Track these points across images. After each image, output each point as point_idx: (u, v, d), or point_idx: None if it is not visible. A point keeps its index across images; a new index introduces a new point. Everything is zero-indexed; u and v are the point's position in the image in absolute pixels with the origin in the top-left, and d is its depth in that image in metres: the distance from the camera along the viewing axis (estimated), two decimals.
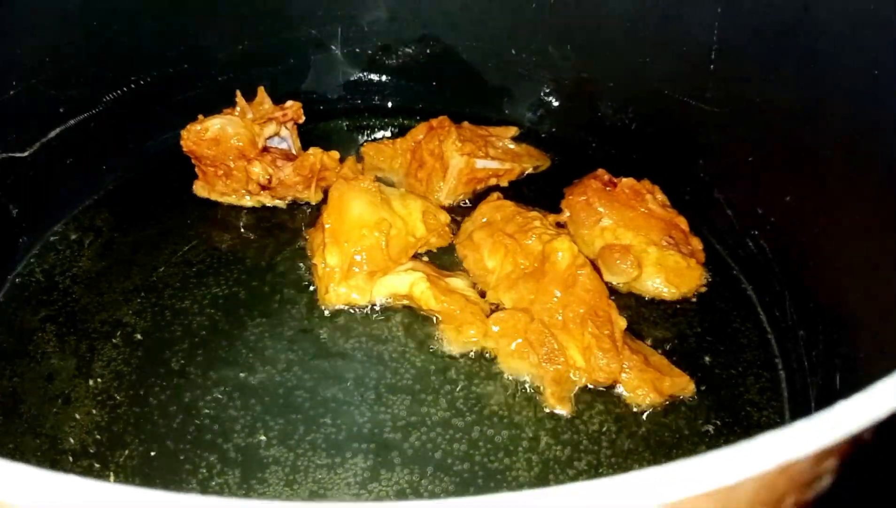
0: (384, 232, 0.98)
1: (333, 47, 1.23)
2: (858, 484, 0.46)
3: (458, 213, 1.09)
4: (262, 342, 0.93)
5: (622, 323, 0.90)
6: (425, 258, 1.03)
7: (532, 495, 0.29)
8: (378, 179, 1.05)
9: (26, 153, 0.99)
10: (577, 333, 0.89)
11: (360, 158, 1.15)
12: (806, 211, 0.93)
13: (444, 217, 1.06)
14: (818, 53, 0.87)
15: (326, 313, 0.96)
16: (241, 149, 1.04)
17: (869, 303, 0.81)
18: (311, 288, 0.99)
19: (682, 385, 0.88)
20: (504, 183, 1.15)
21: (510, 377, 0.90)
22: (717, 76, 1.02)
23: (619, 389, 0.88)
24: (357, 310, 0.96)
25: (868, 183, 0.82)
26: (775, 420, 0.89)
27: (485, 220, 1.05)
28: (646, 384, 0.87)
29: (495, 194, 1.08)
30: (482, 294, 0.99)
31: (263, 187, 1.07)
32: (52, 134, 1.02)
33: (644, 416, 0.87)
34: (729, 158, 1.05)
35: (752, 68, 0.97)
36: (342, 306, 0.97)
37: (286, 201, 1.10)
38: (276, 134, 1.10)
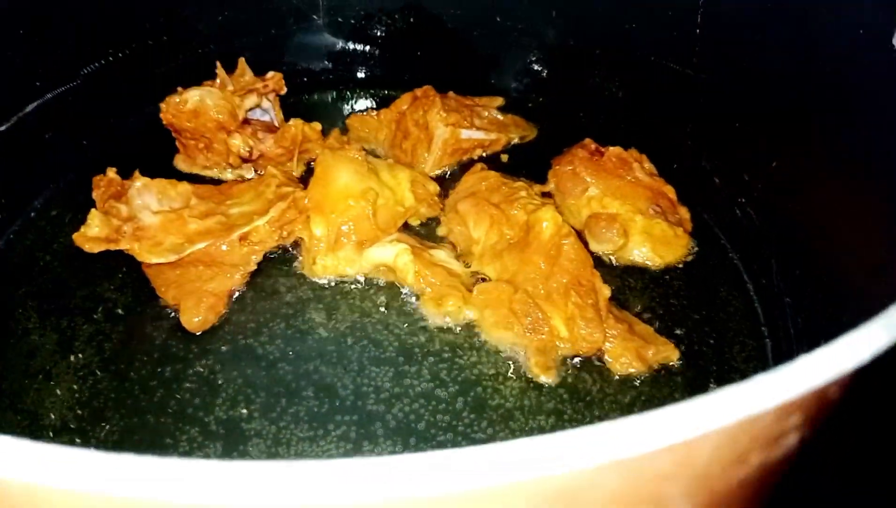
0: (370, 202, 0.96)
1: (315, 17, 1.22)
2: (832, 444, 0.46)
3: (444, 184, 1.08)
4: (245, 314, 0.92)
5: (606, 292, 0.90)
6: (418, 227, 1.03)
7: (480, 451, 0.28)
8: (363, 150, 1.04)
9: (3, 128, 0.98)
10: (561, 303, 0.89)
11: (344, 131, 1.14)
12: (792, 178, 0.92)
13: (433, 187, 1.05)
14: (802, 17, 0.86)
15: (311, 285, 0.95)
16: (220, 121, 1.03)
17: (853, 269, 0.80)
18: (297, 260, 0.98)
19: (667, 354, 0.87)
20: (490, 153, 1.14)
21: (494, 348, 0.89)
22: (704, 41, 1.01)
23: (604, 358, 0.88)
24: (341, 282, 0.96)
25: (854, 149, 0.81)
26: None
27: (470, 191, 1.03)
28: (630, 352, 0.86)
29: (479, 165, 1.06)
30: (468, 266, 0.98)
31: (245, 160, 1.05)
32: (30, 108, 1.01)
33: (628, 384, 0.86)
34: (716, 125, 1.04)
35: (738, 33, 0.96)
36: (327, 279, 0.96)
37: None
38: (258, 106, 1.09)
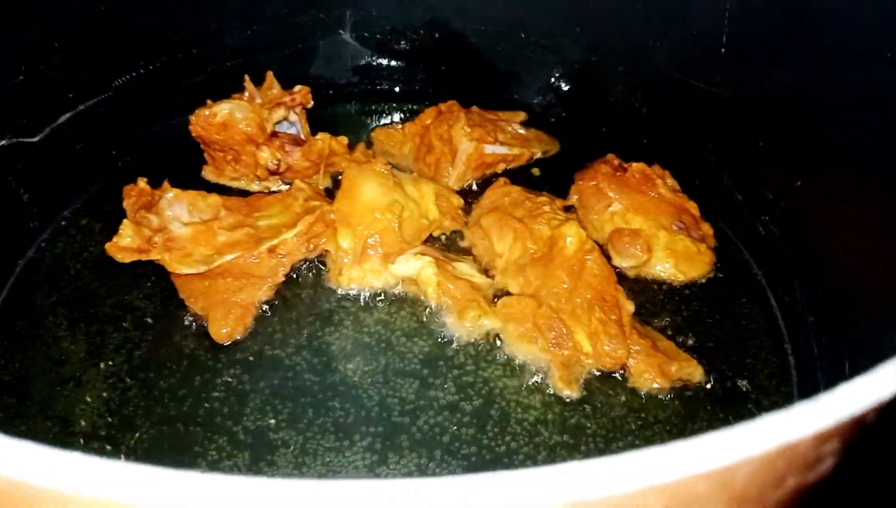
0: (396, 214, 0.98)
1: (342, 31, 1.23)
2: (861, 463, 0.46)
3: (467, 197, 1.09)
4: (272, 325, 0.93)
5: (630, 307, 0.90)
6: (443, 239, 1.04)
7: (523, 475, 0.29)
8: (388, 164, 1.05)
9: (36, 138, 1.00)
10: (585, 318, 0.89)
11: (369, 144, 1.15)
12: (816, 196, 0.92)
13: (457, 201, 1.06)
14: (826, 37, 0.87)
15: (337, 296, 0.97)
16: (249, 134, 1.04)
17: (877, 288, 0.80)
18: (323, 272, 0.99)
19: (690, 370, 0.88)
20: (513, 168, 1.15)
21: (518, 362, 0.90)
22: (728, 60, 1.01)
23: (627, 373, 0.88)
24: (366, 294, 0.97)
25: (876, 168, 0.82)
26: (784, 406, 0.88)
27: (493, 205, 1.04)
28: (653, 368, 0.87)
29: (502, 180, 1.07)
30: (492, 279, 0.99)
31: (272, 173, 1.07)
32: (62, 119, 1.03)
33: (652, 401, 0.87)
34: (739, 142, 1.04)
35: (762, 52, 0.96)
36: (353, 290, 0.97)
37: None
38: (285, 119, 1.10)
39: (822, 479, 0.39)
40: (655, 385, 0.87)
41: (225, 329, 0.90)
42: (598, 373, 0.89)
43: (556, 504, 0.29)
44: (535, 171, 1.15)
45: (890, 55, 0.78)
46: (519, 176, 1.13)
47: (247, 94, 1.08)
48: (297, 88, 1.11)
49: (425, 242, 1.01)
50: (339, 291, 0.97)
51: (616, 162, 1.09)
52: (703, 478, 0.31)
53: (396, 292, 0.97)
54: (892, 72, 0.78)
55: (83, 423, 0.84)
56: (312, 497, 0.31)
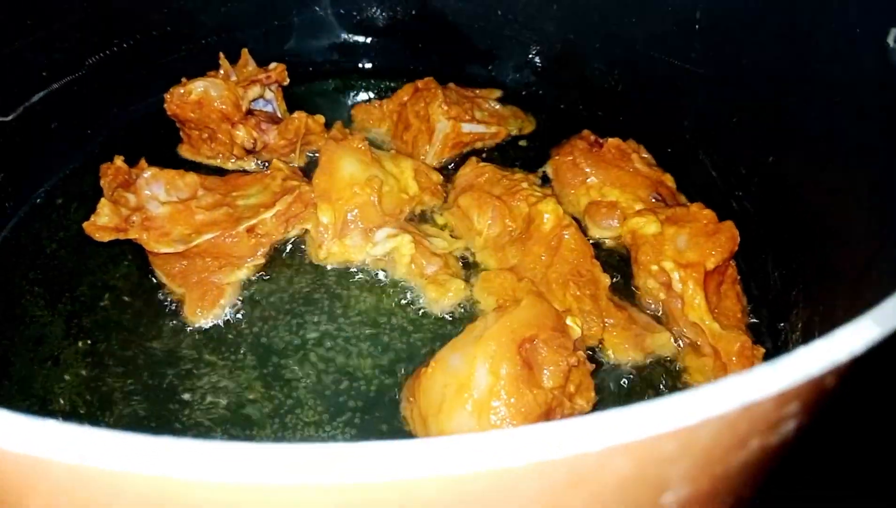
0: (375, 189, 0.98)
1: (318, 8, 1.23)
2: (828, 432, 0.47)
3: (445, 174, 1.09)
4: (251, 304, 0.93)
5: (606, 281, 0.92)
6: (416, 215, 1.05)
7: (489, 436, 0.30)
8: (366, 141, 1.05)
9: (9, 117, 0.99)
10: (560, 293, 0.91)
11: (347, 120, 1.15)
12: (788, 172, 0.94)
13: (437, 176, 1.07)
14: (800, 14, 0.87)
15: (316, 274, 0.97)
16: (224, 112, 1.04)
17: (847, 262, 0.81)
18: (303, 251, 0.99)
19: (663, 342, 0.89)
20: (490, 145, 1.15)
21: None
22: (702, 37, 1.02)
23: (604, 345, 0.90)
24: (346, 270, 0.97)
25: (848, 144, 0.83)
26: None
27: (468, 184, 1.05)
28: (628, 341, 0.88)
29: (474, 159, 1.08)
30: (473, 255, 1.00)
31: (248, 151, 1.07)
32: (36, 98, 1.02)
33: (627, 372, 0.88)
34: (713, 119, 1.05)
35: (735, 29, 0.97)
36: (332, 266, 0.97)
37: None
38: (261, 96, 1.10)
39: (786, 442, 0.41)
40: (630, 357, 0.89)
41: (200, 310, 0.90)
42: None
43: (523, 465, 0.30)
44: (522, 142, 1.16)
45: (860, 30, 0.79)
46: (496, 153, 1.14)
47: (222, 71, 1.08)
48: (273, 65, 1.11)
49: (406, 219, 1.02)
50: (319, 268, 0.97)
51: (592, 138, 1.09)
52: (668, 438, 0.32)
53: (376, 268, 0.97)
54: (864, 49, 0.79)
55: (62, 401, 0.85)
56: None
